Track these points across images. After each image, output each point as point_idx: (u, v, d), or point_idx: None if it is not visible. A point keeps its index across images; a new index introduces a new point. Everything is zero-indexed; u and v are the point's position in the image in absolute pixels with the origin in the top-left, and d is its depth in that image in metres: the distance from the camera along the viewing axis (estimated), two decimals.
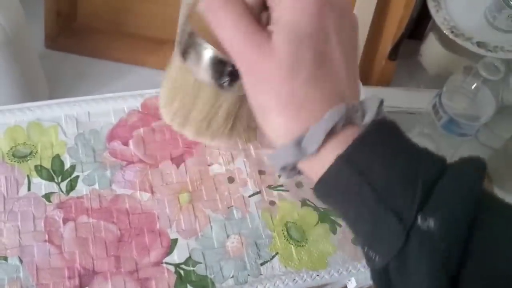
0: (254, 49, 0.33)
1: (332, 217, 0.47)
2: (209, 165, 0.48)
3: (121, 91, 0.52)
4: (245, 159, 0.49)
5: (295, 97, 0.32)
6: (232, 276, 0.43)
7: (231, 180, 0.48)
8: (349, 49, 0.35)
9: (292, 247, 0.45)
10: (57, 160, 0.46)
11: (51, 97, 0.69)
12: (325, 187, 0.33)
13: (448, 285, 0.29)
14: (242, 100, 0.41)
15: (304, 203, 0.48)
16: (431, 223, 0.29)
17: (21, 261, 0.41)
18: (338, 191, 0.33)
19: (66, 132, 0.48)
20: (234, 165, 0.49)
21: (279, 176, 0.49)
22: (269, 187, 0.48)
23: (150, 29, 0.75)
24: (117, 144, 0.48)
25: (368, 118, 0.33)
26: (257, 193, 0.47)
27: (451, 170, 0.31)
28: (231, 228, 0.45)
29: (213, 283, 0.42)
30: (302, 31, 0.32)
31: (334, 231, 0.47)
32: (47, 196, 0.44)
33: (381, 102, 0.33)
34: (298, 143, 0.33)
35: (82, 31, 0.76)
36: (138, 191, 0.46)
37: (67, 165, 0.46)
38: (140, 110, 0.50)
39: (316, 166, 0.33)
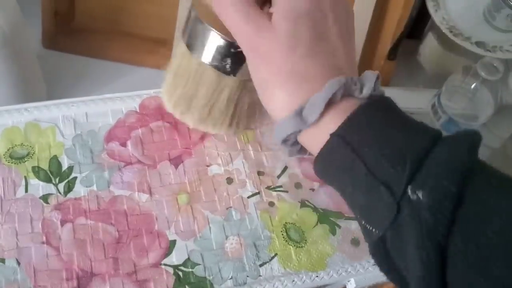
0: (255, 28, 0.35)
1: (332, 218, 0.47)
2: (207, 166, 0.48)
3: (119, 91, 0.52)
4: (244, 160, 0.49)
5: (295, 71, 0.34)
6: (231, 278, 0.43)
7: (230, 181, 0.48)
8: (345, 29, 0.37)
9: (291, 248, 0.45)
10: (54, 161, 0.46)
11: (48, 97, 0.69)
12: (322, 162, 0.35)
13: (436, 255, 0.29)
14: (243, 86, 0.42)
15: (303, 204, 0.47)
16: (420, 194, 0.30)
17: (18, 263, 0.41)
18: (334, 166, 0.34)
19: (64, 133, 0.48)
20: (233, 166, 0.49)
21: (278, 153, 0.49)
22: (268, 188, 0.48)
23: (148, 29, 0.75)
24: (115, 145, 0.48)
25: (366, 91, 0.34)
26: (256, 194, 0.47)
27: (443, 142, 0.32)
28: (230, 229, 0.45)
29: (211, 285, 0.42)
30: (299, 9, 0.34)
31: (333, 232, 0.46)
32: (45, 198, 0.44)
33: (378, 77, 0.35)
34: (299, 113, 0.34)
35: (79, 31, 0.75)
36: (136, 192, 0.46)
37: (64, 166, 0.46)
38: (138, 110, 0.50)
39: (316, 138, 0.35)
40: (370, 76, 0.35)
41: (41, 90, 0.69)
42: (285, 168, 0.49)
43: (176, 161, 0.48)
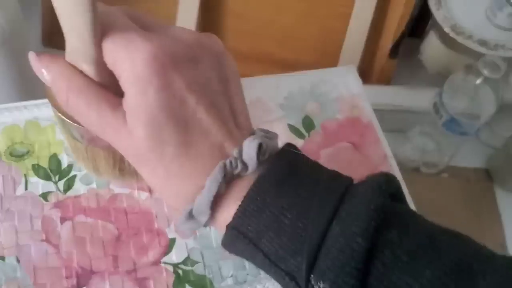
0: (114, 135, 0.32)
1: None
2: None
3: None
4: None
5: (171, 174, 0.32)
6: (231, 276, 0.43)
7: None
8: (217, 91, 0.33)
9: None
10: (54, 159, 0.46)
11: None
12: (227, 248, 0.34)
13: None
14: None
15: None
16: (322, 285, 0.29)
17: (18, 260, 0.41)
18: (239, 254, 0.34)
19: None
20: None
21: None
22: None
23: None
24: None
25: (251, 168, 0.32)
26: None
27: (339, 219, 0.30)
28: None
29: (211, 283, 0.42)
30: (151, 105, 0.30)
31: None
32: (45, 195, 0.44)
33: (260, 146, 0.32)
34: (190, 215, 0.33)
35: None
36: (136, 190, 0.45)
37: (64, 164, 0.46)
38: None
39: (217, 227, 0.34)
40: (250, 148, 0.32)
41: (40, 88, 0.69)
42: None
43: None
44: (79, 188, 0.45)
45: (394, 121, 0.73)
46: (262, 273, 0.43)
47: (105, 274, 0.41)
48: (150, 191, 0.46)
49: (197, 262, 0.43)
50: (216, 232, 0.44)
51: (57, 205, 0.44)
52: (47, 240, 0.42)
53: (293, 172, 0.33)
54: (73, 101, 0.32)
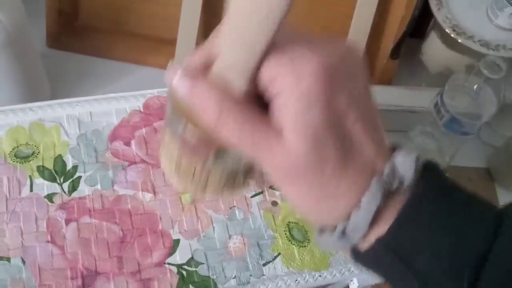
0: (267, 152, 0.30)
1: None
2: None
3: (123, 90, 0.52)
4: None
5: (326, 192, 0.30)
6: (235, 277, 0.43)
7: None
8: (367, 111, 0.32)
9: (295, 247, 0.45)
10: (59, 160, 0.46)
11: (52, 96, 0.69)
12: (366, 262, 0.33)
13: None
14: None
15: None
16: None
17: (23, 262, 0.41)
18: (380, 270, 0.32)
19: (68, 132, 0.48)
20: None
21: None
22: (271, 187, 0.48)
23: (152, 28, 0.75)
24: (119, 144, 0.48)
25: (407, 182, 0.31)
26: (259, 193, 0.47)
27: (500, 243, 0.30)
28: (233, 229, 0.45)
29: (215, 284, 0.43)
30: (317, 125, 0.29)
31: None
32: (50, 197, 0.44)
33: (417, 159, 0.31)
34: (342, 233, 0.31)
35: (83, 30, 0.76)
36: (140, 192, 0.46)
37: (69, 166, 0.46)
38: (142, 110, 0.50)
39: (366, 242, 0.32)
40: (406, 162, 0.31)
41: (45, 89, 0.69)
42: None
43: None
44: (83, 189, 0.45)
45: (395, 121, 0.73)
46: (265, 274, 0.44)
47: (110, 275, 0.42)
48: (154, 192, 0.46)
49: (201, 263, 0.43)
50: (220, 233, 0.45)
51: (62, 206, 0.44)
52: (52, 241, 0.42)
53: (446, 189, 0.32)
54: (225, 121, 0.30)
